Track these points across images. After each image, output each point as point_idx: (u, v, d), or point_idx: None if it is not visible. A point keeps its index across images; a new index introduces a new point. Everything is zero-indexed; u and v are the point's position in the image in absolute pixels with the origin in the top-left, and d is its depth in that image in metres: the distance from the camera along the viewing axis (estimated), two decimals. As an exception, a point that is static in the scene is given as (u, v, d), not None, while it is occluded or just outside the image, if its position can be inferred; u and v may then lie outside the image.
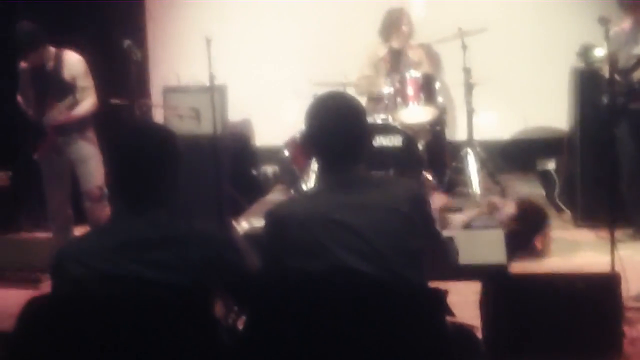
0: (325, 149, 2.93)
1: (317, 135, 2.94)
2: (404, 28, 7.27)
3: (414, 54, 7.35)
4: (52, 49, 6.15)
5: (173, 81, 7.52)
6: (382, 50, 7.32)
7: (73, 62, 6.17)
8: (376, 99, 7.15)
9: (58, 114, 6.12)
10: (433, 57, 7.70)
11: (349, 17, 7.83)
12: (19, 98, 6.33)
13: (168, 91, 7.44)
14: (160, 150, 2.79)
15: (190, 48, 7.29)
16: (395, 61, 7.24)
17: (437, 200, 6.37)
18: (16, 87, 7.01)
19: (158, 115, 7.48)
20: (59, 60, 6.15)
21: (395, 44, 7.31)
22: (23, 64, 6.23)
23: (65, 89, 6.15)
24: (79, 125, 6.15)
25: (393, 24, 7.27)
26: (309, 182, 6.47)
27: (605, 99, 6.19)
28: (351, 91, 6.54)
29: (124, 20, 7.68)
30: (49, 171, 6.29)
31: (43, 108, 6.15)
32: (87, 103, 6.14)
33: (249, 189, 7.61)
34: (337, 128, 2.90)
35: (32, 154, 6.33)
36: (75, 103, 6.15)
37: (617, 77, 6.09)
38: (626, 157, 6.46)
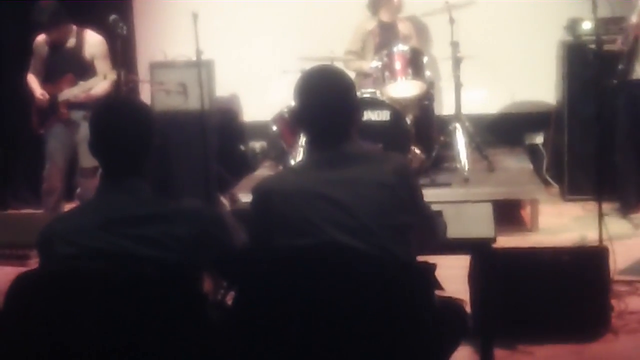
0: (313, 124, 2.91)
1: (305, 111, 2.91)
2: (395, 1, 7.24)
3: (404, 27, 7.32)
4: (74, 27, 6.21)
5: (160, 56, 7.47)
6: (371, 24, 7.29)
7: (94, 42, 6.26)
8: (364, 74, 7.12)
9: (73, 91, 6.18)
10: (421, 31, 7.67)
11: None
12: (30, 75, 6.34)
13: (155, 66, 7.39)
14: (133, 124, 2.79)
15: (177, 23, 7.24)
16: (385, 35, 7.21)
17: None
18: (6, 67, 7.01)
19: (145, 91, 7.44)
20: (80, 38, 6.24)
21: (384, 17, 7.27)
22: (39, 40, 6.26)
23: (84, 68, 6.25)
24: (85, 105, 6.15)
25: None
26: (297, 158, 6.46)
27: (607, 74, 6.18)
28: (338, 65, 6.51)
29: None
30: (54, 146, 6.34)
31: (58, 84, 6.20)
32: (104, 84, 6.17)
33: (237, 165, 7.59)
34: (325, 103, 2.87)
35: (37, 129, 6.40)
36: (91, 82, 6.20)
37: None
38: (621, 129, 6.46)
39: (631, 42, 6.17)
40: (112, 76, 6.09)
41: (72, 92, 6.17)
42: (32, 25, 6.21)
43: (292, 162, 6.48)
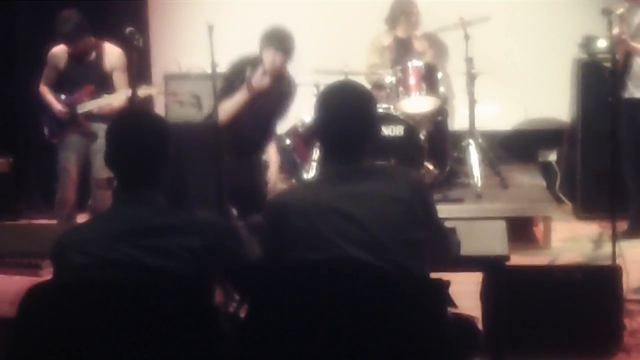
0: (333, 139, 2.91)
1: (326, 124, 2.92)
2: (413, 17, 7.27)
3: (419, 44, 7.33)
4: (93, 39, 6.24)
5: (174, 68, 7.50)
6: (387, 39, 7.30)
7: (114, 54, 6.32)
8: (378, 88, 7.13)
9: (96, 103, 6.22)
10: (436, 47, 7.68)
11: (351, 5, 7.81)
12: (43, 87, 6.37)
13: (169, 78, 7.42)
14: (150, 136, 2.80)
15: (192, 35, 7.26)
16: (400, 50, 7.22)
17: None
18: (16, 74, 7.02)
19: (159, 102, 7.46)
20: (99, 51, 6.29)
21: (400, 33, 7.30)
22: (56, 51, 6.29)
23: (104, 80, 6.28)
24: (105, 117, 6.18)
25: (403, 13, 7.25)
26: (310, 172, 6.46)
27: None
28: (353, 79, 6.51)
29: (126, 7, 7.66)
30: (68, 156, 6.36)
31: (78, 96, 6.24)
32: (121, 96, 6.19)
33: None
34: (347, 118, 2.88)
35: (50, 138, 6.42)
36: (108, 94, 6.24)
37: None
38: (626, 150, 6.42)
39: (622, 57, 6.12)
40: (127, 92, 6.14)
41: (95, 104, 6.21)
42: (56, 36, 6.22)
43: (305, 176, 6.48)
